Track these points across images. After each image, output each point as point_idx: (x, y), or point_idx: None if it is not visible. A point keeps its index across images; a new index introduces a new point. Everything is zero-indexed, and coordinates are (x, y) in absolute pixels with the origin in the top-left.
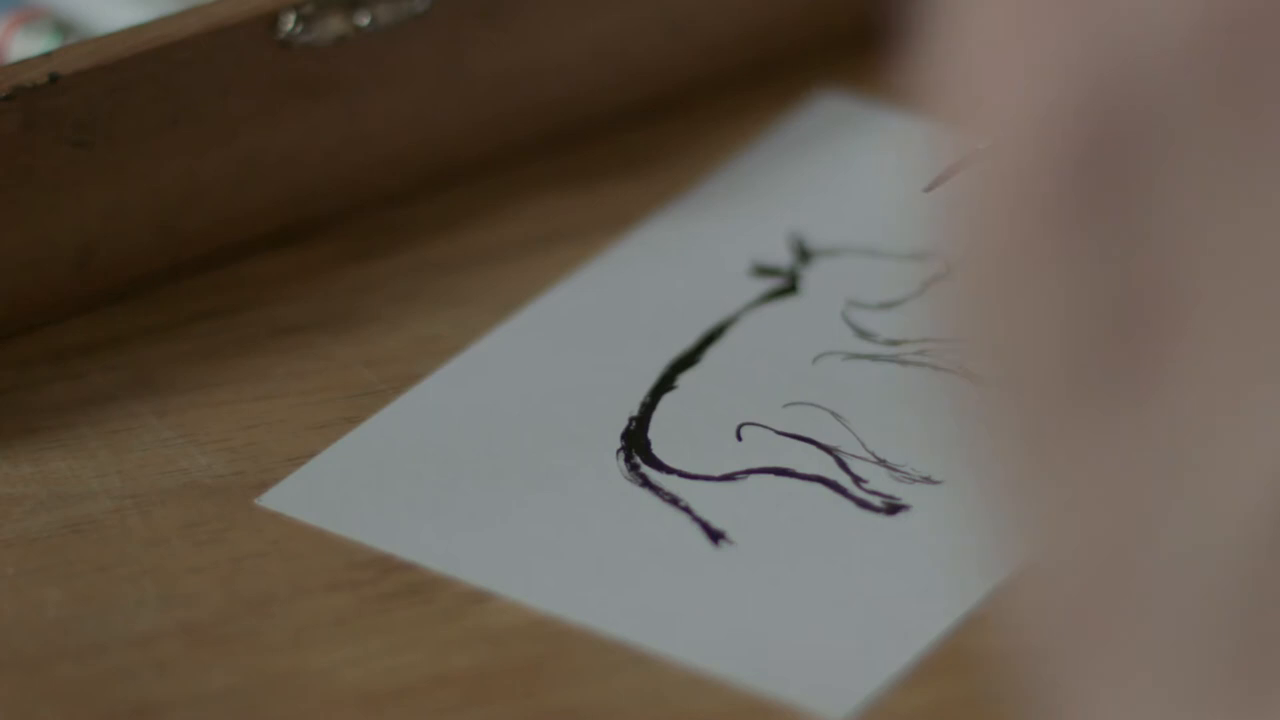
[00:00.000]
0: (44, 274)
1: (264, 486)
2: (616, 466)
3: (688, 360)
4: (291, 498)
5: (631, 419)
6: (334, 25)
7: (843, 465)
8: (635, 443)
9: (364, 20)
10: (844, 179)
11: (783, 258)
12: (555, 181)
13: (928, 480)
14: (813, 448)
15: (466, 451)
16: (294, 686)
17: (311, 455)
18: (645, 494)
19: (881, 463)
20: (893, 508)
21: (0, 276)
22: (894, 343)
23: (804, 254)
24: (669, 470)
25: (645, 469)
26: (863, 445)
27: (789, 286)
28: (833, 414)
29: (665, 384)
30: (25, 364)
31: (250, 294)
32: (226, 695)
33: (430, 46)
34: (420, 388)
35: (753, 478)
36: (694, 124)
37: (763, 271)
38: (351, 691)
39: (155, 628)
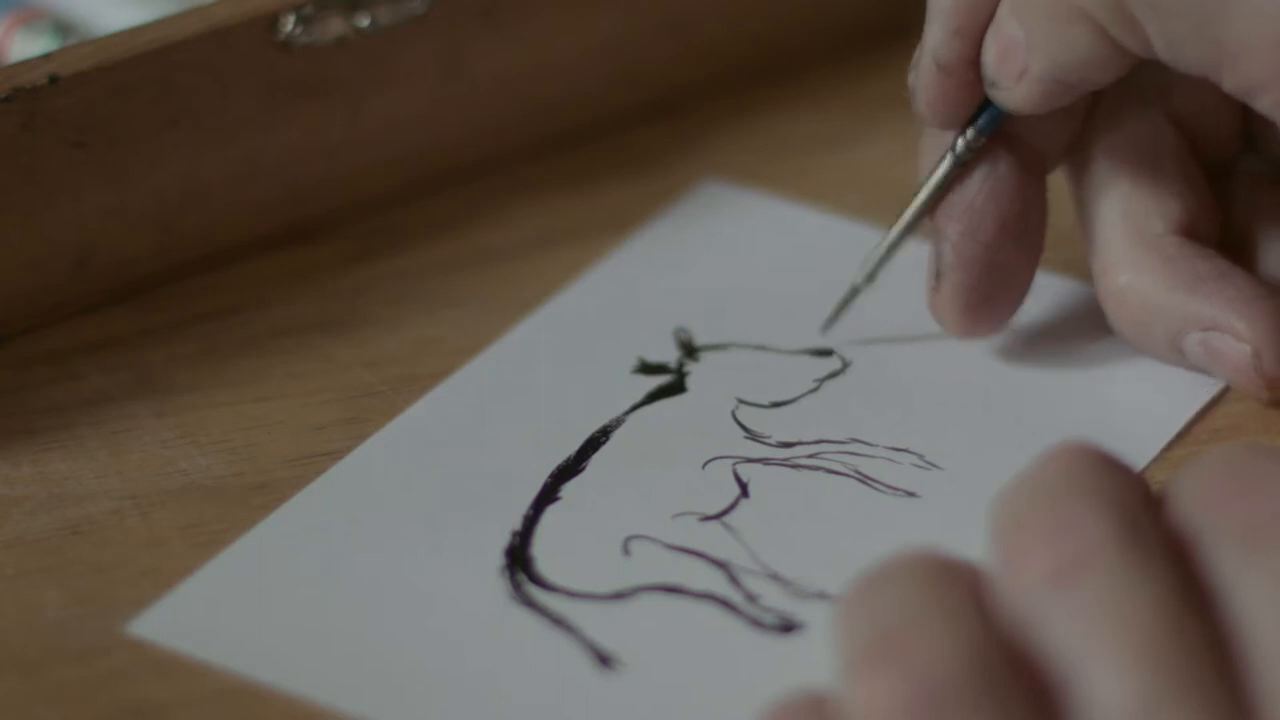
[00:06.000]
0: (44, 274)
1: (263, 488)
2: (500, 586)
3: (570, 469)
4: (162, 624)
5: (515, 534)
6: (334, 26)
7: (734, 581)
8: (519, 560)
9: (364, 21)
10: (730, 270)
11: (669, 354)
12: (555, 182)
13: (821, 595)
14: (703, 562)
15: (345, 572)
16: None
17: (311, 456)
18: (530, 615)
19: (774, 577)
20: (786, 625)
21: (0, 276)
22: (786, 445)
23: (690, 350)
24: (555, 589)
25: (530, 588)
26: (755, 558)
27: (676, 385)
28: (723, 524)
29: (548, 495)
30: (25, 364)
31: (250, 294)
32: (226, 695)
33: (430, 47)
34: (293, 502)
35: (642, 595)
36: (694, 124)
37: (648, 369)
38: None
39: None
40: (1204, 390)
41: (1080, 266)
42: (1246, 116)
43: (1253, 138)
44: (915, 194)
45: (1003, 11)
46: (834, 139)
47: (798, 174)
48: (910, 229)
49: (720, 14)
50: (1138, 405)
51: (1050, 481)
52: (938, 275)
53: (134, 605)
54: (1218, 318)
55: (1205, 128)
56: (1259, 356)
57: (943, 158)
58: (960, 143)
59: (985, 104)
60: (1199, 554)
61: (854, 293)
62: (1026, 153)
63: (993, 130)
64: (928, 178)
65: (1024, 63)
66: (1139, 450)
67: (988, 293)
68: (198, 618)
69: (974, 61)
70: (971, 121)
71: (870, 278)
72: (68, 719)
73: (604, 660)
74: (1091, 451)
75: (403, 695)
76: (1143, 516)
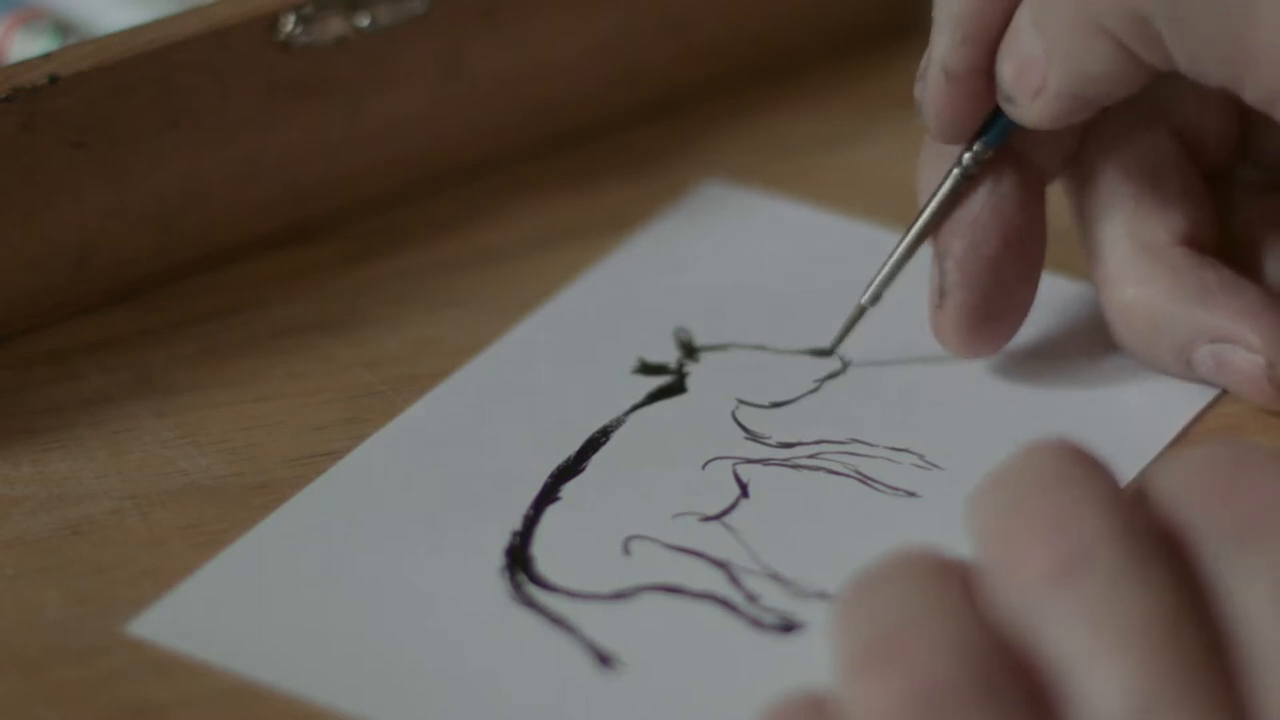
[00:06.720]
0: (44, 274)
1: (263, 488)
2: (500, 586)
3: (570, 469)
4: (162, 624)
5: (515, 534)
6: (334, 26)
7: (735, 581)
8: (519, 560)
9: (364, 21)
10: (730, 270)
11: (669, 354)
12: (555, 182)
13: (821, 595)
14: (703, 562)
15: (345, 572)
16: None
17: (311, 456)
18: (530, 615)
19: (774, 577)
20: (786, 625)
21: (0, 276)
22: (786, 445)
23: (690, 350)
24: (555, 589)
25: (530, 588)
26: (755, 558)
27: (676, 385)
28: (723, 525)
29: (548, 495)
30: (25, 364)
31: (250, 294)
32: (226, 695)
33: (430, 47)
34: (293, 502)
35: (642, 595)
36: (694, 124)
37: (648, 369)
38: None
39: None
40: (1204, 391)
41: (1077, 267)
42: (1243, 124)
43: (1248, 145)
44: (920, 211)
45: (1020, 26)
46: (834, 139)
47: (798, 174)
48: (915, 246)
49: (720, 14)
50: (1137, 405)
51: (1038, 477)
52: (941, 293)
53: (134, 605)
54: (1229, 329)
55: (1204, 137)
56: (1273, 367)
57: (949, 172)
58: (967, 156)
59: (992, 116)
60: (1191, 550)
61: (860, 313)
62: (1027, 167)
63: (998, 143)
64: (933, 193)
65: (1042, 79)
66: (1138, 451)
67: (991, 312)
68: (198, 618)
69: (983, 71)
70: (979, 135)
71: (876, 298)
72: (68, 719)
73: (604, 660)
74: (1070, 446)
75: (403, 695)
76: (1136, 513)
